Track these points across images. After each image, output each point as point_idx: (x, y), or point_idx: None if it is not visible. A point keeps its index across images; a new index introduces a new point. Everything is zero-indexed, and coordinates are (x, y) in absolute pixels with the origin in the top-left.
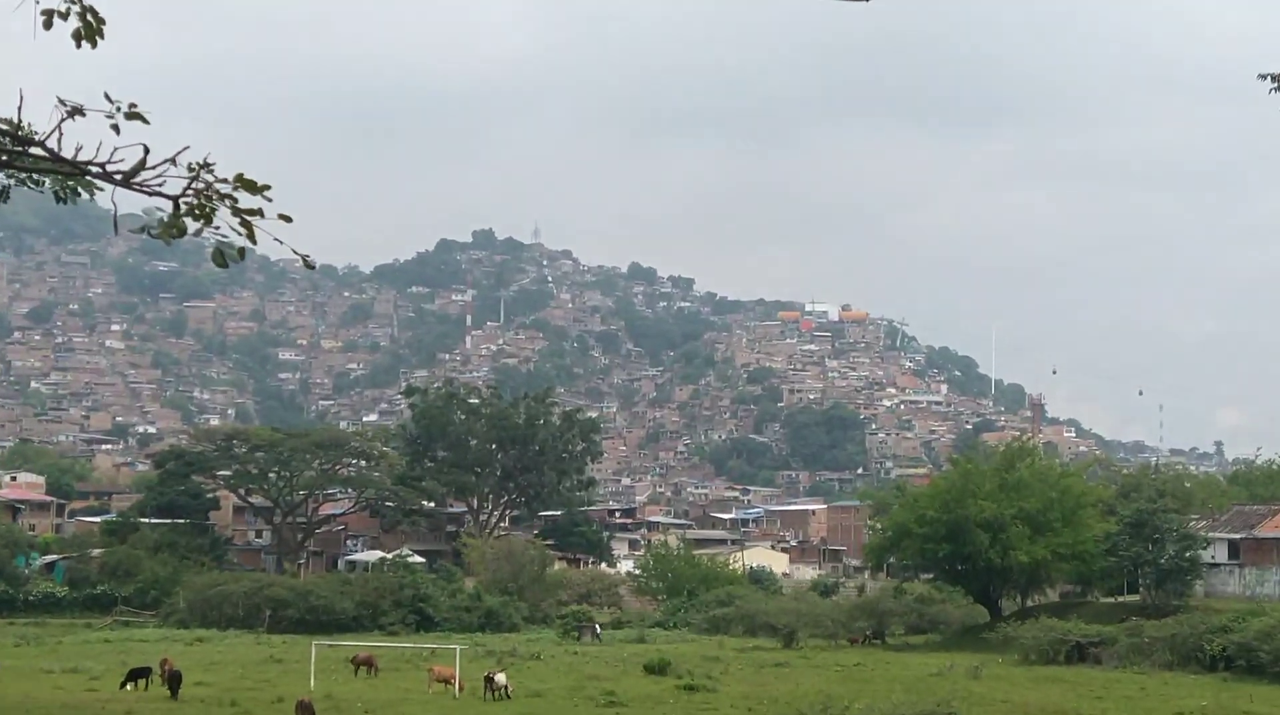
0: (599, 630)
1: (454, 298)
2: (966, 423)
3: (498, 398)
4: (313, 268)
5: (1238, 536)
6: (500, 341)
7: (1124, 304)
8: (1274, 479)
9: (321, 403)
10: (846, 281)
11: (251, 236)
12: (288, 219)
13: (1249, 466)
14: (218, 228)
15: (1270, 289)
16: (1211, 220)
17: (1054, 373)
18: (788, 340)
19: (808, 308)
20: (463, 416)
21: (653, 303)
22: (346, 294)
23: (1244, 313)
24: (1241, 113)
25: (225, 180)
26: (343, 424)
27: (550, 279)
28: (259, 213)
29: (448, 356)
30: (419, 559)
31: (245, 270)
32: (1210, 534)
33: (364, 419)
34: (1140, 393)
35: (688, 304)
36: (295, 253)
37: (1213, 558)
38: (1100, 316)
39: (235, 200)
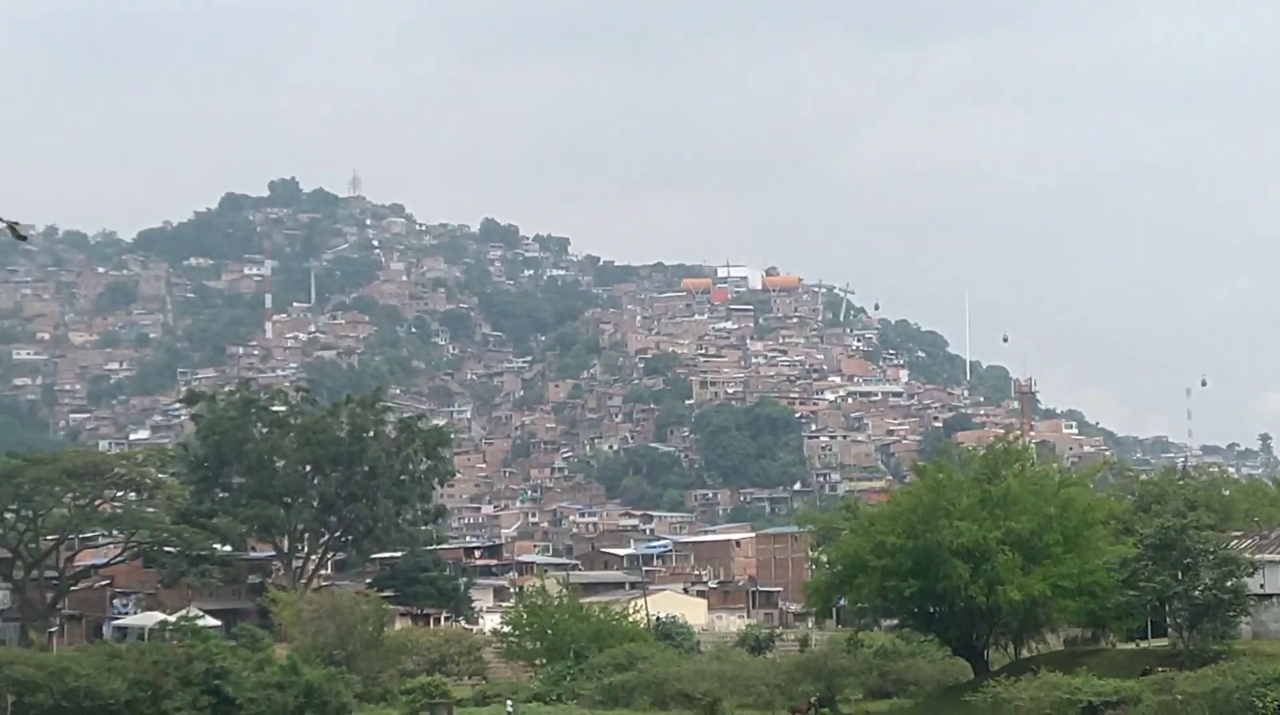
0: (513, 707)
1: (247, 272)
2: (935, 419)
3: (311, 403)
4: (23, 239)
5: None
6: (312, 328)
7: (1136, 260)
8: None
9: (73, 417)
10: (771, 237)
11: None
12: None
13: None
14: None
15: None
16: (1248, 148)
17: (1005, 341)
18: (696, 317)
19: (721, 273)
20: (265, 430)
21: (515, 272)
22: (102, 270)
23: None
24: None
25: None
26: (102, 444)
27: (377, 243)
28: None
29: (241, 350)
30: (212, 621)
31: None
32: (1259, 556)
33: (131, 437)
34: (1204, 383)
35: (562, 272)
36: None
37: (1262, 587)
38: (1106, 277)
39: None
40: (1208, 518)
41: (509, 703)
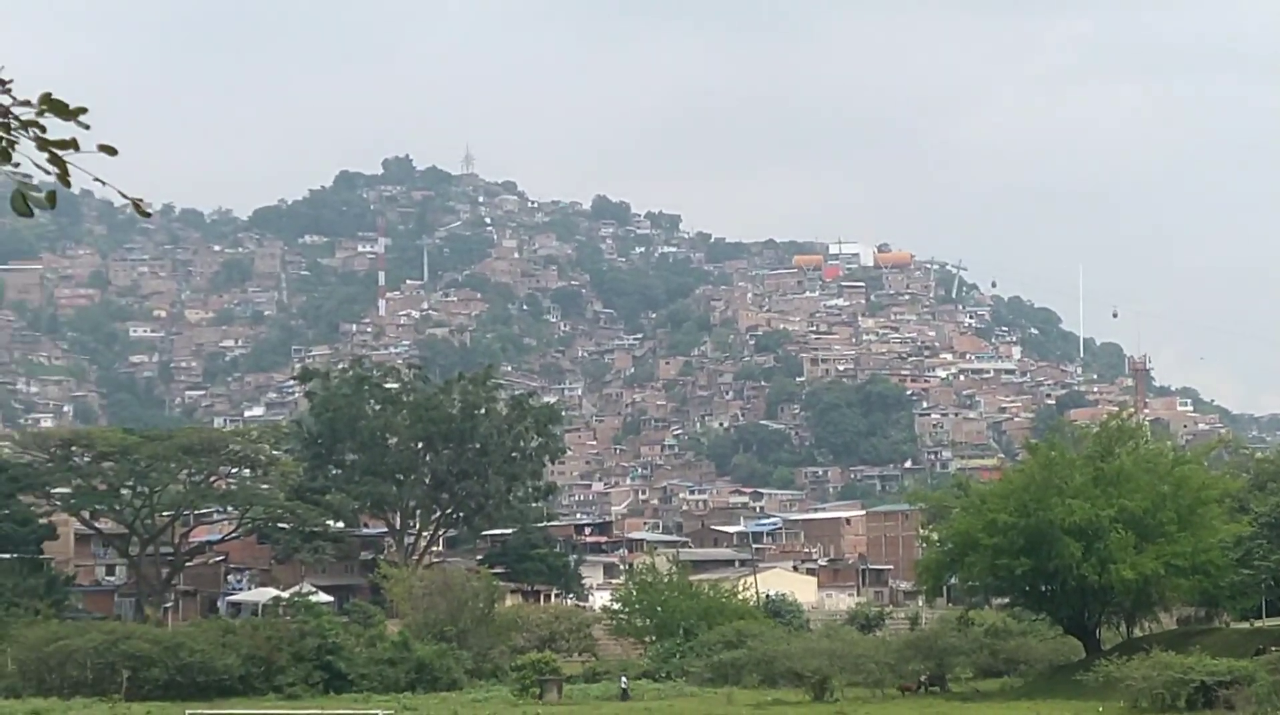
0: (626, 683)
1: (361, 249)
2: (1048, 396)
3: (423, 381)
4: (147, 215)
5: None
6: (424, 306)
7: (1253, 233)
8: None
9: (189, 394)
10: (883, 214)
11: (64, 175)
12: (111, 151)
13: None
14: (18, 164)
15: None
16: None
17: (1114, 316)
18: (807, 294)
19: (833, 250)
20: (378, 407)
21: (626, 249)
22: (217, 248)
23: None
24: None
25: (27, 102)
26: (217, 421)
27: (489, 221)
28: (72, 144)
29: (355, 328)
30: (325, 597)
31: (81, 219)
32: None
33: (246, 414)
34: None
35: (673, 249)
36: (124, 196)
37: None
38: (1222, 251)
39: (41, 129)
40: None
41: (623, 678)
